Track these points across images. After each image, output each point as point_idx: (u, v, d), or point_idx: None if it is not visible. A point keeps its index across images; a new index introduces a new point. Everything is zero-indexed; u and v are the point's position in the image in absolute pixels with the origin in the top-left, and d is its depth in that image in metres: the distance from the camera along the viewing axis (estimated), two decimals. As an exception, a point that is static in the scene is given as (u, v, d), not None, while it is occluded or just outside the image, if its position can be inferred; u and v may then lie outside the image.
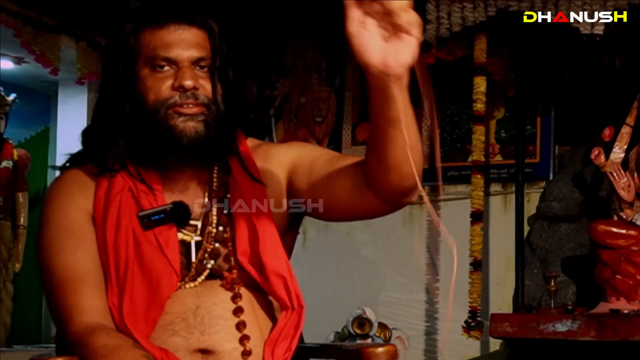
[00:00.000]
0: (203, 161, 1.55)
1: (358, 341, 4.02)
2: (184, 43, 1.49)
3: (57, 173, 1.64)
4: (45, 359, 1.61)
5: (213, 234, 1.54)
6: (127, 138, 1.52)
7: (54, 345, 1.73)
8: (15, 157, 4.84)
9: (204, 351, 1.48)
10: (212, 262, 1.53)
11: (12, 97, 4.75)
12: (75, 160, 1.62)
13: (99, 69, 4.54)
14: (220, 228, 1.54)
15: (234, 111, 1.55)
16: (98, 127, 1.57)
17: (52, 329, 4.88)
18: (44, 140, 5.48)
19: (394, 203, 1.45)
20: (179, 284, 1.51)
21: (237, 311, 1.51)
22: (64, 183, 1.57)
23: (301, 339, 1.78)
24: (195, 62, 1.50)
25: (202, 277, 1.53)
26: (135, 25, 1.52)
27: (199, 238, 1.54)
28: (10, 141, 4.86)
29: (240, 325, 1.51)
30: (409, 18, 1.14)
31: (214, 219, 1.55)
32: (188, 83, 1.47)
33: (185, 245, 1.53)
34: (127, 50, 1.51)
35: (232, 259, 1.53)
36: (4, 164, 4.77)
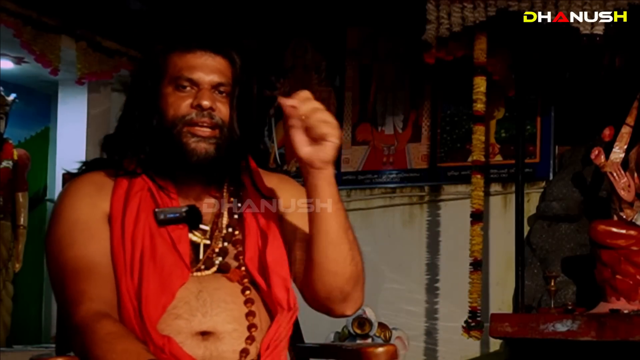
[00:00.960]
0: (211, 179, 1.65)
1: (358, 341, 4.02)
2: (207, 68, 1.62)
3: (59, 175, 1.69)
4: (45, 359, 1.61)
5: (222, 235, 1.64)
6: (149, 147, 1.63)
7: (54, 345, 1.75)
8: (15, 157, 4.84)
9: (205, 333, 1.54)
10: (220, 259, 1.62)
11: (12, 97, 4.75)
12: (92, 165, 1.70)
13: (99, 69, 4.62)
14: (230, 229, 1.64)
15: (246, 137, 1.65)
16: (124, 135, 1.67)
17: (52, 329, 4.88)
18: (44, 140, 5.48)
19: (317, 304, 1.62)
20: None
21: (247, 302, 1.59)
22: (81, 183, 1.64)
23: (301, 339, 1.79)
24: (215, 87, 1.62)
25: (210, 271, 1.61)
26: (166, 47, 1.65)
27: (207, 242, 1.63)
28: (10, 141, 4.85)
29: (250, 315, 1.58)
30: (327, 129, 1.45)
31: (225, 223, 1.65)
32: (205, 103, 1.59)
33: (195, 245, 1.62)
34: (156, 68, 1.64)
35: (242, 258, 1.62)
36: (4, 164, 4.77)
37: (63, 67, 4.47)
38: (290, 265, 1.63)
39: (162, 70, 1.63)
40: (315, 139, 1.46)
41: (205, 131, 1.59)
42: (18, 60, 4.78)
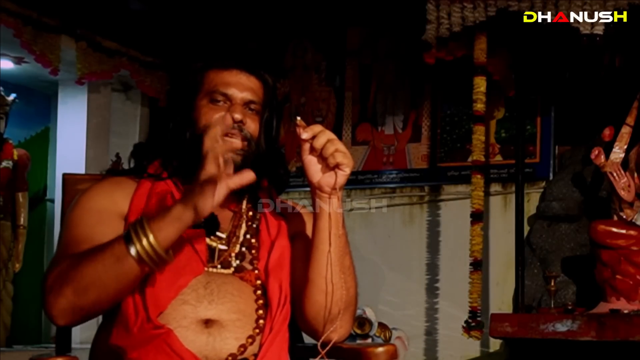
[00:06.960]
0: (233, 190, 1.67)
1: (358, 341, 4.02)
2: (242, 86, 1.73)
3: (59, 175, 1.72)
4: (45, 359, 1.61)
5: (240, 241, 1.71)
6: (179, 156, 1.71)
7: (54, 345, 1.75)
8: (15, 157, 4.85)
9: (209, 321, 1.59)
10: (238, 261, 1.69)
11: (12, 97, 4.76)
12: (116, 173, 1.79)
13: (99, 69, 4.62)
14: (248, 236, 1.72)
15: (271, 156, 1.75)
16: (156, 144, 1.76)
17: (52, 329, 4.88)
18: (44, 140, 5.48)
19: (305, 324, 1.69)
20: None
21: (258, 298, 1.66)
22: (105, 181, 1.73)
23: (301, 339, 1.79)
24: (247, 104, 1.72)
25: (225, 271, 1.66)
26: (205, 64, 1.76)
27: (224, 247, 1.69)
28: (10, 141, 4.86)
29: (260, 307, 1.64)
30: (341, 159, 1.55)
31: (242, 231, 1.72)
32: (237, 116, 1.68)
33: (211, 249, 1.68)
34: (194, 83, 1.74)
35: (256, 262, 1.70)
36: (4, 164, 4.77)
37: (63, 67, 4.47)
38: (291, 280, 1.68)
39: (199, 85, 1.72)
40: (329, 167, 1.56)
41: (235, 141, 1.67)
42: (18, 60, 4.78)
